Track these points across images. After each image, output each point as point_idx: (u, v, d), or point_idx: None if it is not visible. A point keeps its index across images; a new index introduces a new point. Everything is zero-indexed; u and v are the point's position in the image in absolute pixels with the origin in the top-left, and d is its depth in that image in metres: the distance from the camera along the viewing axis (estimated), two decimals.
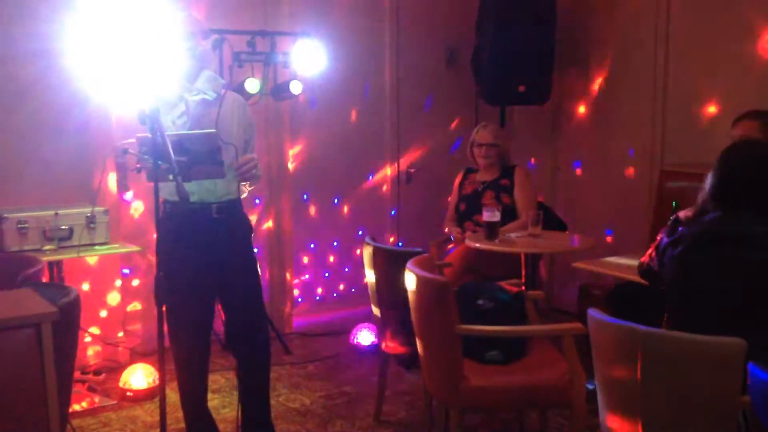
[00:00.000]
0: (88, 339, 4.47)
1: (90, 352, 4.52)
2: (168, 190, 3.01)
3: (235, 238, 3.24)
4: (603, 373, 2.32)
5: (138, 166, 2.80)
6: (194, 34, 3.11)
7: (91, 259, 4.46)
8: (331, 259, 5.52)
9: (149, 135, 2.59)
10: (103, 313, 4.60)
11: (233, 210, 3.23)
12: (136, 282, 4.73)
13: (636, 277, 3.27)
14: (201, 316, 3.26)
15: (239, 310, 3.29)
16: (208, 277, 3.20)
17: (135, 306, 4.74)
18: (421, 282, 2.95)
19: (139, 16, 3.89)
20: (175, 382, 4.22)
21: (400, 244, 5.69)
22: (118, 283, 4.65)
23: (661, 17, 4.81)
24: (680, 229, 2.50)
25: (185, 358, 3.29)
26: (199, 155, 2.78)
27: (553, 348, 3.27)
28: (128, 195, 4.52)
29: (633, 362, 2.17)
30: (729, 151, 2.50)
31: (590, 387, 2.86)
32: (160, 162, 2.60)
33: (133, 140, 2.82)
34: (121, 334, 4.64)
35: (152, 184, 2.67)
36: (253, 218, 4.92)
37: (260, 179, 3.36)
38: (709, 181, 2.48)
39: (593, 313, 2.30)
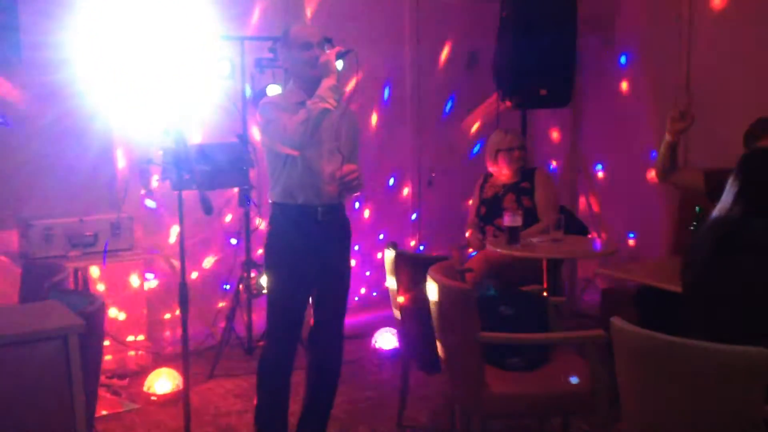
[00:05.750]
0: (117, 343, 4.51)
1: (114, 356, 4.56)
2: (275, 192, 3.15)
3: (338, 241, 3.33)
4: (626, 381, 2.31)
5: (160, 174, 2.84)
6: (311, 45, 3.14)
7: (115, 265, 4.50)
8: (353, 263, 5.51)
9: (173, 145, 2.62)
10: (128, 318, 4.64)
11: (337, 214, 3.30)
12: (159, 287, 4.76)
13: (659, 284, 3.25)
14: (299, 314, 3.31)
15: (328, 312, 3.37)
16: (309, 278, 3.26)
17: (158, 311, 4.77)
18: (443, 289, 2.95)
19: (163, 27, 3.94)
20: (199, 386, 4.29)
21: (422, 248, 5.69)
22: (141, 286, 4.69)
23: (684, 19, 4.76)
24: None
25: (277, 355, 3.31)
26: (221, 164, 2.82)
27: (576, 354, 3.26)
28: (151, 202, 4.55)
29: (656, 371, 2.16)
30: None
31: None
32: (183, 172, 2.63)
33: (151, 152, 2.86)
34: (143, 337, 4.68)
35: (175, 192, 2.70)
36: None
37: (362, 187, 3.36)
38: (731, 185, 2.45)
39: (616, 322, 2.28)
